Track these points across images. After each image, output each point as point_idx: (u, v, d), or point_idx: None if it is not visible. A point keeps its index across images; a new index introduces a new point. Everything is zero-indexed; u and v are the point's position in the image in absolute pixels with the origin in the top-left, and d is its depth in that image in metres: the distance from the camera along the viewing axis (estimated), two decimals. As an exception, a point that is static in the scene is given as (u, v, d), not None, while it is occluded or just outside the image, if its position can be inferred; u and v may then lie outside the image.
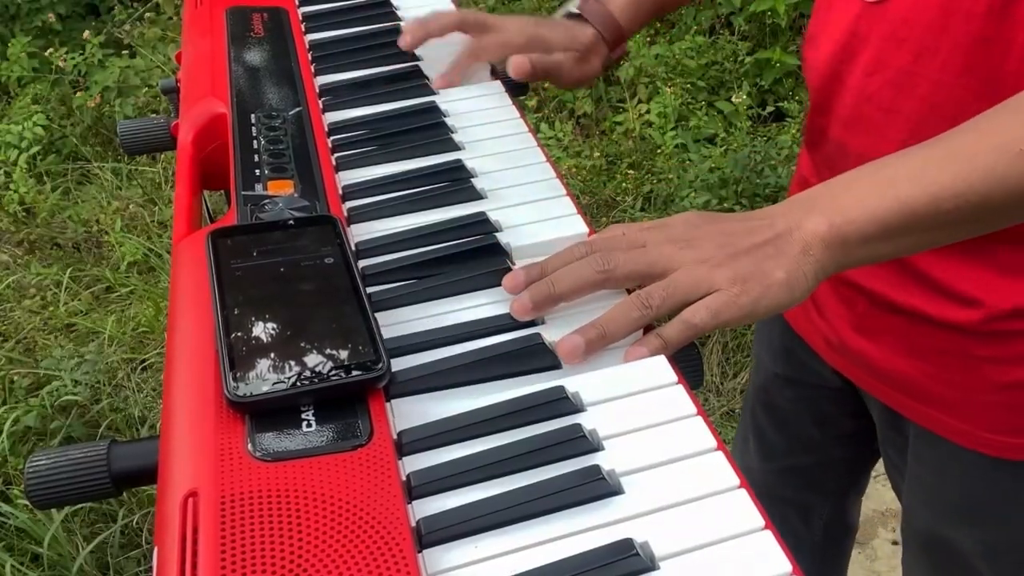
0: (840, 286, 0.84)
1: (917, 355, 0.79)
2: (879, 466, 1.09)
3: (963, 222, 0.58)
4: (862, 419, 0.97)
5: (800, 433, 1.04)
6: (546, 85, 2.88)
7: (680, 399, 0.52)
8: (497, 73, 0.86)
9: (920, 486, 0.87)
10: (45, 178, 2.76)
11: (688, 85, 2.75)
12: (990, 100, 0.61)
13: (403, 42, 0.86)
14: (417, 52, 0.88)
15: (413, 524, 0.45)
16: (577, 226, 0.65)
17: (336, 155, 0.73)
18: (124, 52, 3.07)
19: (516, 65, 0.83)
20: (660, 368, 0.54)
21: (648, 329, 0.57)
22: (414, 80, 0.83)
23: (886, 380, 0.83)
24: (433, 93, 0.82)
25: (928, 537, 0.88)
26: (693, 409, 0.51)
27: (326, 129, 0.76)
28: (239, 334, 0.52)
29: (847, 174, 0.60)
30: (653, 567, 0.43)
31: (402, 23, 0.93)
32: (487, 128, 0.77)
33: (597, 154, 2.61)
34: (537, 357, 0.55)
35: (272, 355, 0.51)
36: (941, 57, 0.67)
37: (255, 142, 0.71)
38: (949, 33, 0.66)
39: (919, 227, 0.57)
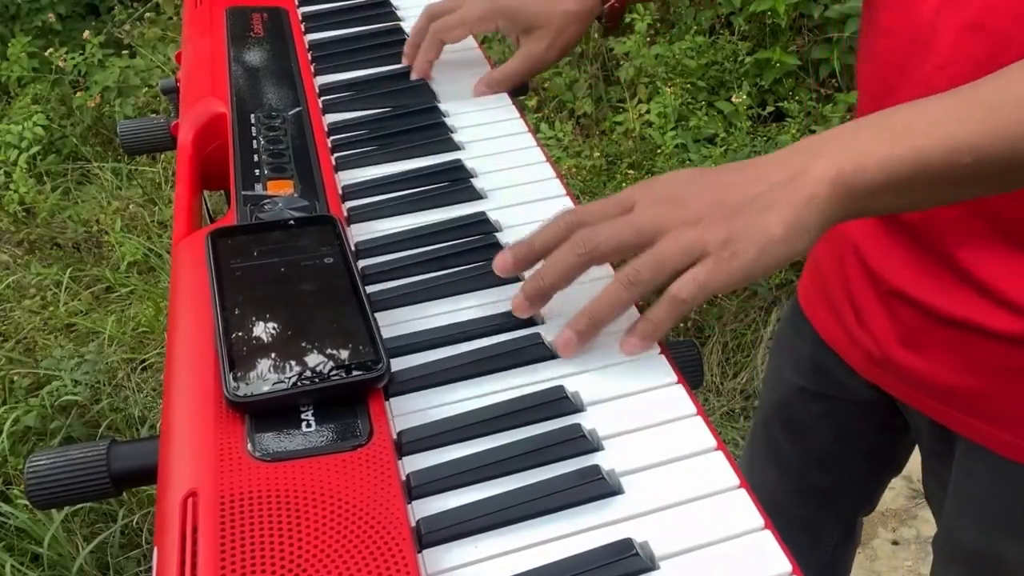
0: (887, 296, 0.81)
1: (969, 369, 0.76)
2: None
3: (977, 179, 0.54)
4: (886, 434, 0.95)
5: (820, 449, 1.01)
6: (546, 85, 2.88)
7: (680, 399, 0.52)
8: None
9: (968, 500, 0.84)
10: (45, 178, 2.76)
11: (688, 85, 2.74)
12: None
13: (411, 69, 0.85)
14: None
15: (413, 524, 0.45)
16: (577, 226, 0.65)
17: (336, 155, 0.74)
18: (124, 52, 3.06)
19: (476, 95, 0.82)
20: (660, 368, 0.54)
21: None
22: (414, 80, 0.83)
23: (934, 394, 0.80)
24: (433, 93, 0.82)
25: (973, 552, 0.85)
26: (693, 409, 0.51)
27: (326, 129, 0.76)
28: (239, 334, 0.52)
29: (856, 121, 0.56)
30: (653, 567, 0.43)
31: (403, 23, 0.93)
32: (487, 128, 0.77)
33: (597, 154, 2.61)
34: (537, 356, 0.55)
35: (272, 355, 0.51)
36: (1014, 49, 0.63)
37: (255, 142, 0.71)
38: None
39: (930, 180, 0.54)
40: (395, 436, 0.50)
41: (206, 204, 0.82)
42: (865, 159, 0.53)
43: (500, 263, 0.58)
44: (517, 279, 0.60)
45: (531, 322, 0.57)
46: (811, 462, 1.03)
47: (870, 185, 0.53)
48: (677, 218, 0.54)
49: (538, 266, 0.58)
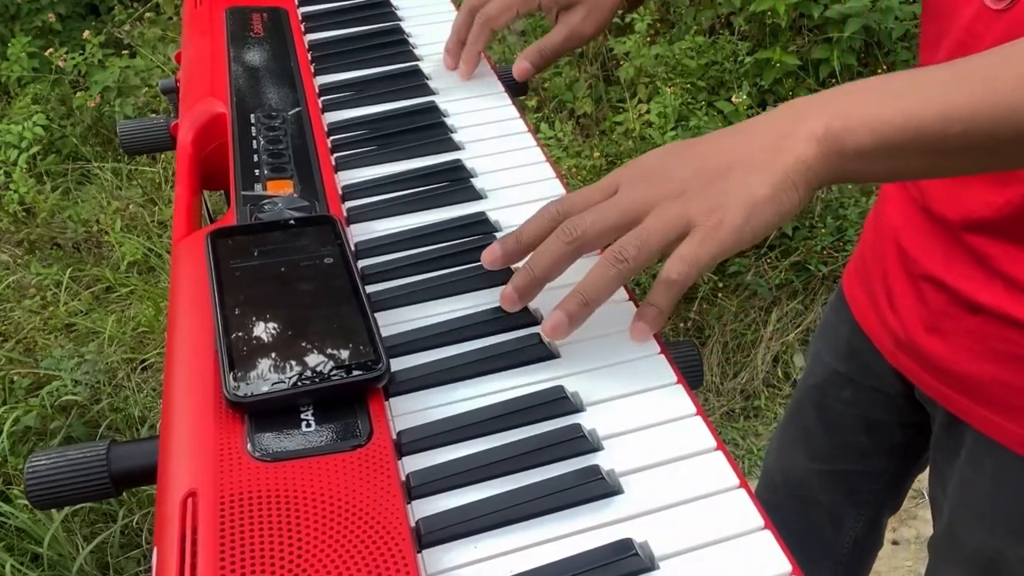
0: (919, 280, 0.82)
1: (990, 358, 0.77)
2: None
3: (966, 151, 0.53)
4: (912, 430, 0.95)
5: (849, 438, 1.02)
6: (546, 85, 2.88)
7: (680, 399, 0.52)
8: (498, 72, 0.86)
9: (974, 496, 0.84)
10: (45, 178, 2.76)
11: (688, 85, 2.74)
12: None
13: (449, 65, 0.86)
14: (419, 53, 0.88)
15: (412, 524, 0.45)
16: (577, 226, 0.65)
17: (336, 155, 0.74)
18: (124, 52, 3.06)
19: (518, 70, 0.83)
20: (660, 368, 0.54)
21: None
22: (414, 80, 0.83)
23: (952, 383, 0.81)
24: (433, 93, 0.82)
25: (973, 552, 0.85)
26: (693, 409, 0.51)
27: (326, 129, 0.76)
28: (239, 334, 0.52)
29: (850, 83, 0.55)
30: (653, 567, 0.43)
31: (403, 23, 0.93)
32: (487, 128, 0.77)
33: (597, 154, 2.61)
34: (536, 356, 0.55)
35: (272, 355, 0.51)
36: None
37: (255, 142, 0.71)
38: None
39: (920, 148, 0.53)
40: (395, 436, 0.50)
41: (206, 204, 0.82)
42: (855, 120, 0.52)
43: (488, 256, 0.58)
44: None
45: (531, 322, 0.57)
46: (839, 449, 1.04)
47: (859, 147, 0.52)
48: (660, 193, 0.53)
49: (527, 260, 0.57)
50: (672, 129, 2.61)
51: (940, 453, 0.90)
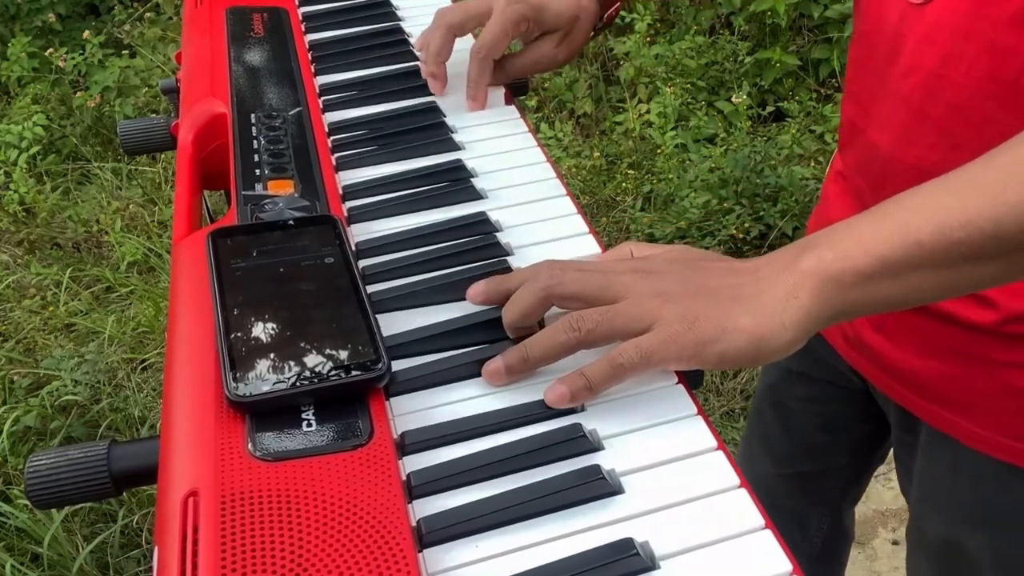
0: None
1: (935, 355, 0.78)
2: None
3: (981, 257, 0.51)
4: (870, 424, 0.96)
5: (807, 437, 1.03)
6: (546, 85, 2.88)
7: (680, 399, 0.52)
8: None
9: (933, 489, 0.86)
10: (45, 178, 2.77)
11: (688, 85, 2.75)
12: (1012, 108, 0.59)
13: (436, 89, 0.83)
14: (419, 54, 0.88)
15: (413, 524, 0.45)
16: (577, 226, 0.65)
17: (336, 155, 0.74)
18: (124, 52, 3.07)
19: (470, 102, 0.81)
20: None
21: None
22: (414, 80, 0.83)
23: (902, 380, 0.82)
24: (433, 93, 0.82)
25: (938, 542, 0.87)
26: (693, 409, 0.51)
27: (326, 129, 0.76)
28: (239, 334, 0.52)
29: (850, 218, 0.54)
30: (653, 566, 0.43)
31: (403, 23, 0.93)
32: (487, 128, 0.77)
33: (597, 154, 2.61)
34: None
35: (272, 355, 0.51)
36: (966, 62, 0.66)
37: (255, 142, 0.71)
38: (973, 39, 0.65)
39: (929, 262, 0.51)
40: (396, 436, 0.50)
41: (206, 204, 0.82)
42: (849, 247, 0.51)
43: (471, 292, 0.57)
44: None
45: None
46: (797, 448, 1.05)
47: (857, 273, 0.51)
48: (645, 286, 0.52)
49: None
50: (672, 129, 2.61)
51: (901, 448, 0.91)
